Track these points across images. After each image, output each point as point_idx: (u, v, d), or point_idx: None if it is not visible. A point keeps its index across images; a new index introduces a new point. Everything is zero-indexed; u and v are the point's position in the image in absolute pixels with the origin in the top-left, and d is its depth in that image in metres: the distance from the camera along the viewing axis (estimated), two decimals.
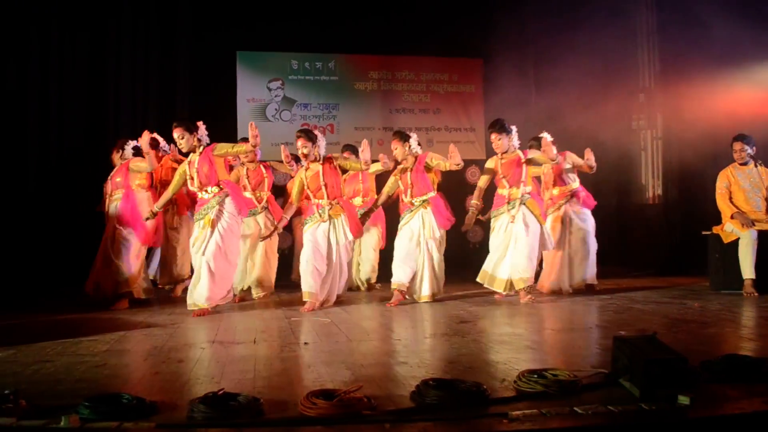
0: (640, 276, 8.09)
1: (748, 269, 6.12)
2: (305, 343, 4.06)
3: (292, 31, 9.35)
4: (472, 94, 10.32)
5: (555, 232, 6.40)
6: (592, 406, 2.51)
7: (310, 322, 4.97)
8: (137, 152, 6.21)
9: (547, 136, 5.94)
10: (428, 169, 5.99)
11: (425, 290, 5.92)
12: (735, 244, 6.28)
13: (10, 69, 7.73)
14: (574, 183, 6.57)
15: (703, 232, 6.71)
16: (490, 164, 6.16)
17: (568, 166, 6.51)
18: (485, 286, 6.08)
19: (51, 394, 2.86)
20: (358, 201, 6.94)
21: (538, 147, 6.17)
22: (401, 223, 6.06)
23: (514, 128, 6.03)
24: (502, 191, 6.04)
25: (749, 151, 6.42)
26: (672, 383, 2.59)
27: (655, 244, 9.14)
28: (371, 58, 10.06)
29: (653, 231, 9.27)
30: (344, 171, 6.20)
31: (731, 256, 6.27)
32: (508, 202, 5.94)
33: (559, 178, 6.59)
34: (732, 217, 6.35)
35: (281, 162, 6.63)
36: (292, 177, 6.72)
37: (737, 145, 6.45)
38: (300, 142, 5.66)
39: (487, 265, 6.06)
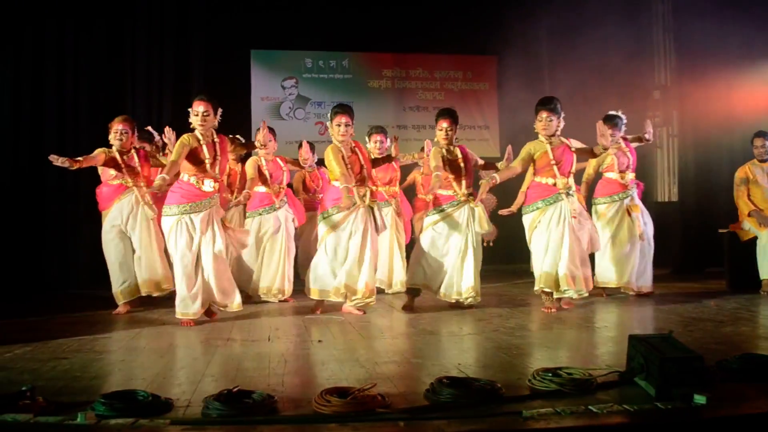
0: (655, 274, 8.01)
1: (766, 269, 6.08)
2: (319, 341, 4.07)
3: (306, 29, 9.35)
4: (486, 92, 10.27)
5: (623, 223, 5.88)
6: (607, 405, 2.51)
7: (324, 320, 4.97)
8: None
9: (622, 117, 5.62)
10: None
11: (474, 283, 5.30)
12: (752, 242, 6.23)
13: (26, 61, 7.75)
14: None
15: (720, 230, 6.65)
16: (536, 147, 5.19)
17: (635, 145, 6.02)
18: (545, 290, 5.16)
19: (67, 391, 2.89)
20: (395, 189, 6.55)
21: (613, 127, 5.61)
22: (440, 215, 5.33)
23: (562, 113, 5.27)
24: (548, 180, 5.16)
25: None
26: (688, 382, 2.57)
27: (671, 242, 9.06)
28: (385, 56, 10.04)
29: (669, 229, 9.19)
30: None
31: (748, 254, 6.22)
32: (562, 193, 5.12)
33: (630, 163, 5.92)
34: (749, 215, 6.29)
35: (295, 160, 6.61)
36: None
37: (759, 141, 6.40)
38: (344, 119, 5.18)
39: (549, 267, 5.12)
